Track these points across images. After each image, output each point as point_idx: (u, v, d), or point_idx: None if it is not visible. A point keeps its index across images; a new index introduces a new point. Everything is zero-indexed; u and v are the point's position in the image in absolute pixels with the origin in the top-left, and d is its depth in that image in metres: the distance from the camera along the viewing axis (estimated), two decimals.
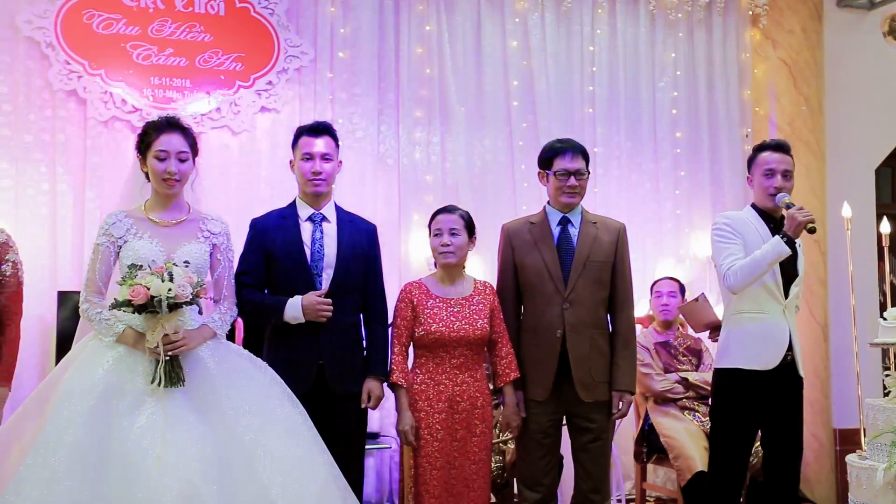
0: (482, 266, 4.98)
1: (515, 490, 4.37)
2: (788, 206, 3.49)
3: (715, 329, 4.54)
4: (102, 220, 3.07)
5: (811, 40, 5.77)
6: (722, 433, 3.60)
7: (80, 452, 2.61)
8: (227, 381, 2.92)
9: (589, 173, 3.59)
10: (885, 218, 4.47)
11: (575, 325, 3.46)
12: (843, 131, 5.80)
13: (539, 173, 3.63)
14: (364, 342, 3.47)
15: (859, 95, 5.85)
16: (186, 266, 2.91)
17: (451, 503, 3.34)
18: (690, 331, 4.87)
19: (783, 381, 3.54)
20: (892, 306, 3.75)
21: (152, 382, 2.78)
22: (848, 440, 5.31)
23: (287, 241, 3.38)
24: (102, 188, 4.65)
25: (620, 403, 3.49)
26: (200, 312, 3.01)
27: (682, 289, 4.93)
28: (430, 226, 3.53)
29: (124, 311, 2.82)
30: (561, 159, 3.53)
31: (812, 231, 3.40)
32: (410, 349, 3.49)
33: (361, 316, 3.48)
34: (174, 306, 2.78)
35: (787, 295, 3.56)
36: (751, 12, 5.81)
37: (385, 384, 3.44)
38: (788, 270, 3.57)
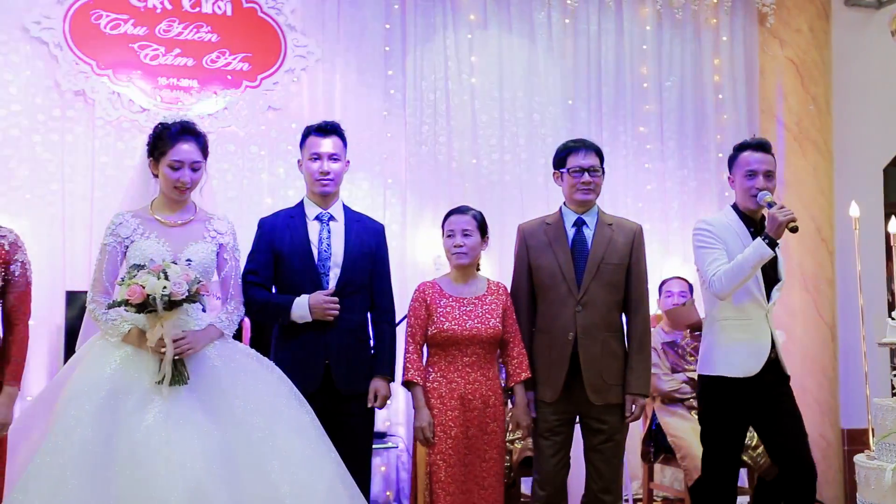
0: (491, 267, 4.98)
1: (523, 490, 4.39)
2: (770, 206, 3.41)
3: (696, 329, 4.54)
4: (109, 220, 3.08)
5: (819, 39, 5.76)
6: (710, 437, 3.58)
7: (88, 451, 2.62)
8: (235, 380, 2.93)
9: (604, 172, 3.59)
10: (893, 217, 4.43)
11: (587, 328, 3.45)
12: (851, 130, 5.79)
13: (554, 174, 3.63)
14: (371, 341, 3.48)
15: (867, 94, 5.83)
16: (189, 264, 2.92)
17: (464, 501, 3.34)
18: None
19: (768, 380, 3.49)
20: None
21: (157, 382, 2.79)
22: (856, 440, 5.29)
23: (294, 241, 3.39)
24: (110, 188, 4.67)
25: (634, 407, 3.48)
26: (204, 310, 3.01)
27: (692, 288, 4.92)
28: (442, 226, 3.54)
29: (127, 311, 2.83)
30: (574, 156, 3.53)
31: (794, 230, 3.35)
32: (424, 349, 3.49)
33: (369, 315, 3.48)
34: (172, 304, 2.79)
35: (769, 299, 3.52)
36: (758, 11, 5.80)
37: (395, 383, 3.44)
38: (770, 274, 3.52)
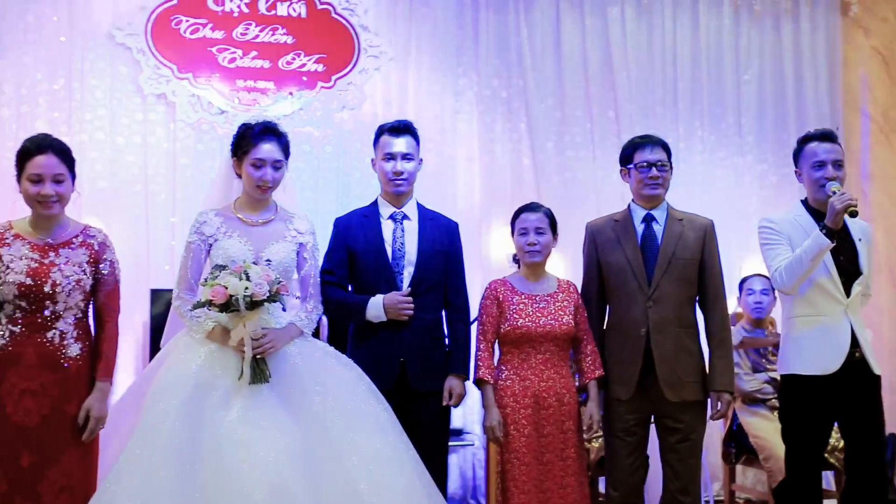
0: (561, 263, 4.94)
1: (601, 489, 4.33)
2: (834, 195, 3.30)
3: None
4: (194, 218, 3.16)
5: None
6: (790, 437, 3.48)
7: (175, 444, 2.69)
8: (314, 377, 2.97)
9: (671, 167, 3.53)
10: None
11: (659, 324, 3.40)
12: None
13: (621, 171, 3.59)
14: (446, 340, 3.48)
15: None
16: (268, 264, 2.97)
17: (542, 500, 3.32)
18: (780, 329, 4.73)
19: (854, 380, 3.36)
20: None
21: (239, 379, 2.85)
22: None
23: (368, 240, 3.41)
24: (191, 189, 4.78)
25: (719, 404, 3.42)
26: (284, 309, 3.06)
27: (773, 286, 4.79)
28: (513, 224, 3.52)
29: (211, 310, 2.89)
30: (641, 152, 3.50)
31: (853, 215, 3.23)
32: (496, 347, 3.48)
33: (443, 313, 3.49)
34: (254, 304, 2.85)
35: (848, 294, 3.39)
36: (840, 0, 5.63)
37: (469, 381, 3.44)
38: (847, 268, 3.39)
